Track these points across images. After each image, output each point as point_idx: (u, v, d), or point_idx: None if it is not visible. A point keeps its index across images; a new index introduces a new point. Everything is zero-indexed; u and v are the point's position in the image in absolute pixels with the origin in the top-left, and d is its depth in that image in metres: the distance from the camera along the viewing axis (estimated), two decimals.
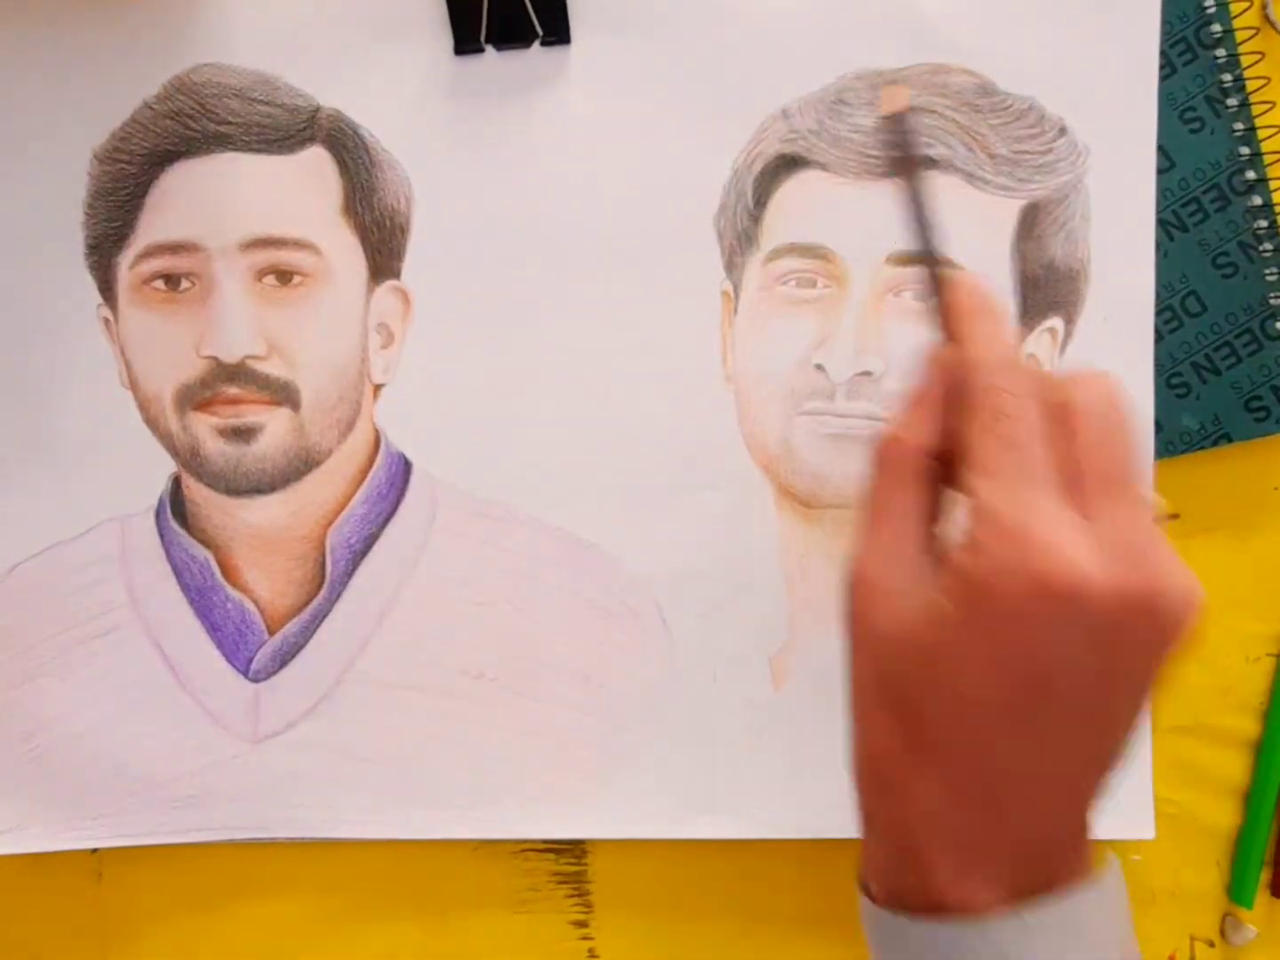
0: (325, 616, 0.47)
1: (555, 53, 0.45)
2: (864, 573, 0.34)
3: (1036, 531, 0.30)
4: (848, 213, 0.45)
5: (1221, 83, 0.44)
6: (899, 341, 0.45)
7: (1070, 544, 0.30)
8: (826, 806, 0.46)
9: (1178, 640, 0.31)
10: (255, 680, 0.47)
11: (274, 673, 0.47)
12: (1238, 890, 0.47)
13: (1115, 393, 0.33)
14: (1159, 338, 0.45)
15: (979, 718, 0.32)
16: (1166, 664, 0.32)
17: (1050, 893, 0.32)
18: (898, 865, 0.34)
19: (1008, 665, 0.31)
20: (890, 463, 0.34)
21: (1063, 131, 0.44)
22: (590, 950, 0.48)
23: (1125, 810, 0.45)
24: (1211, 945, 0.47)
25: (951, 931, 0.32)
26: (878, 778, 0.34)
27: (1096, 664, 0.31)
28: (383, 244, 0.46)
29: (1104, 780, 0.33)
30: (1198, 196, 0.45)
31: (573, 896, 0.48)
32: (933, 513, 0.34)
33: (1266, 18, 0.44)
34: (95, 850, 0.49)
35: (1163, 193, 0.45)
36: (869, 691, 0.34)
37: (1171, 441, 0.46)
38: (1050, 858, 0.33)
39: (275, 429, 0.46)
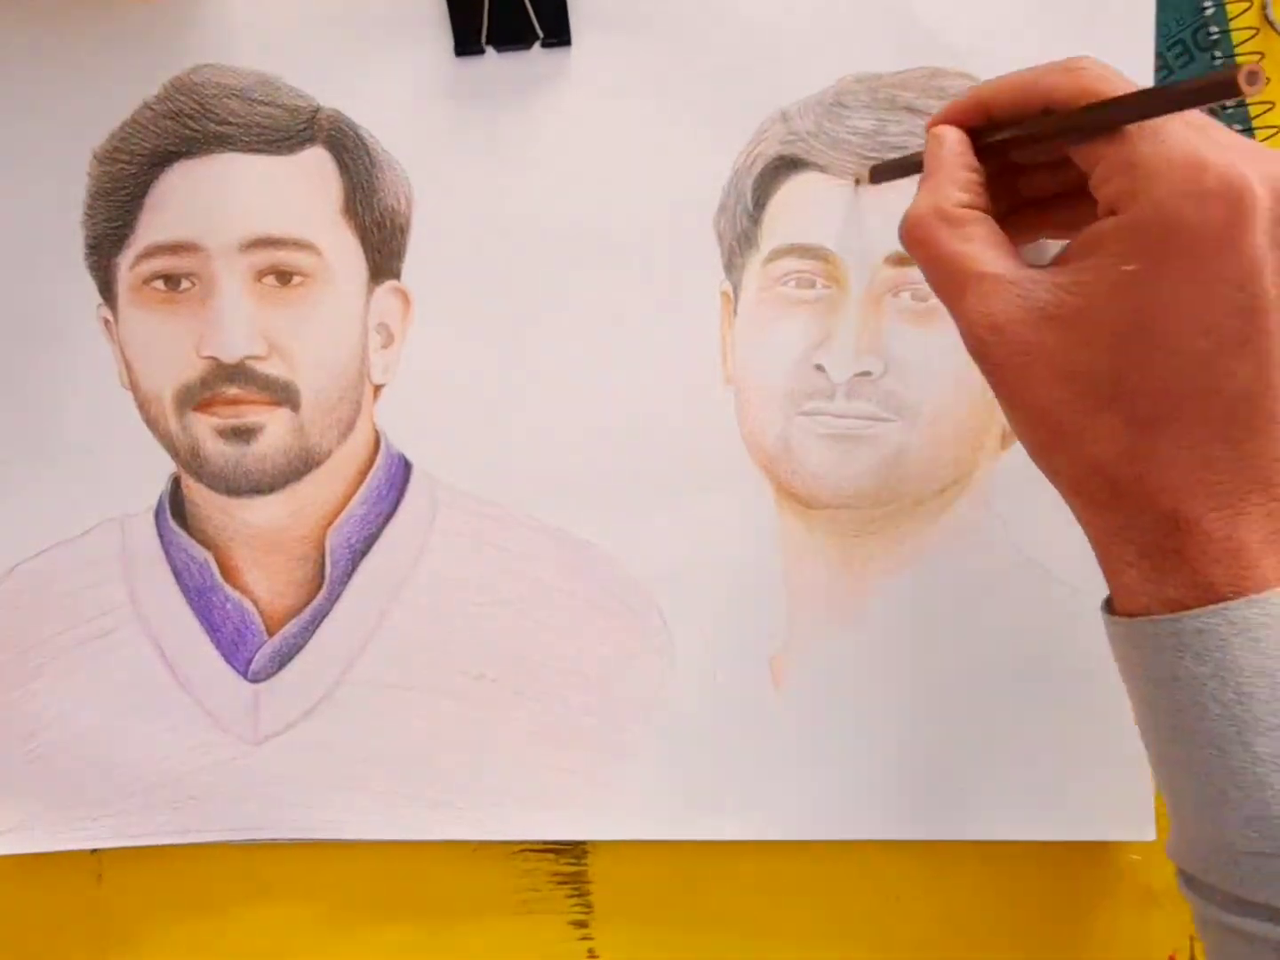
0: (325, 617, 0.47)
1: (556, 54, 0.45)
2: (995, 318, 0.33)
3: (1199, 153, 0.31)
4: (846, 214, 0.45)
5: None
6: (898, 342, 0.45)
7: (1229, 151, 0.31)
8: (827, 807, 0.46)
9: None
10: (255, 681, 0.47)
11: (273, 673, 0.47)
12: None
13: None
14: None
15: (1199, 364, 0.31)
16: None
17: None
18: (1163, 562, 0.33)
19: (1213, 294, 0.31)
20: (932, 228, 0.35)
21: None
22: (590, 951, 0.48)
23: (1125, 811, 0.46)
24: None
25: (1194, 620, 0.32)
26: (1112, 484, 0.33)
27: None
28: (383, 244, 0.46)
29: None
30: None
31: (573, 897, 0.48)
32: (1002, 240, 0.35)
33: (1266, 18, 0.45)
34: (95, 850, 0.49)
35: None
36: (1065, 411, 0.33)
37: None
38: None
39: (275, 429, 0.46)
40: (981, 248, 0.34)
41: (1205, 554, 0.32)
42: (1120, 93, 0.33)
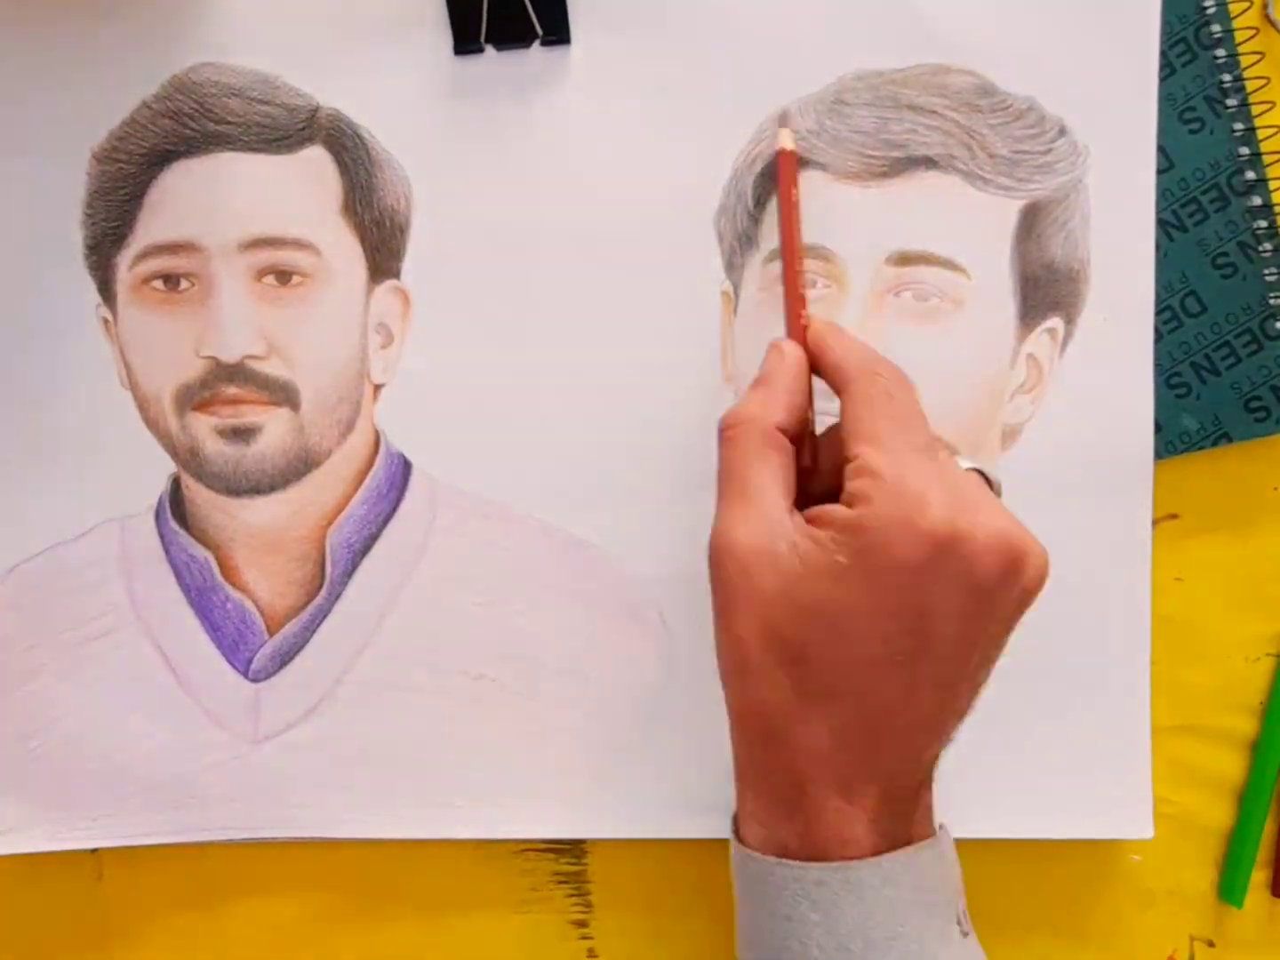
0: (325, 616, 0.47)
1: (555, 53, 0.45)
2: (738, 540, 0.36)
3: (930, 494, 0.35)
4: (848, 213, 0.45)
5: (1221, 83, 0.44)
6: (899, 341, 0.44)
7: (954, 506, 0.35)
8: None
9: (1035, 596, 0.36)
10: (255, 680, 0.47)
11: (274, 673, 0.47)
12: (1227, 889, 0.46)
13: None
14: (1159, 338, 0.45)
15: (868, 662, 0.35)
16: (1019, 616, 0.36)
17: (905, 845, 0.36)
18: (783, 811, 0.36)
19: (898, 612, 0.35)
20: (748, 437, 0.38)
21: (1062, 131, 0.44)
22: (590, 950, 0.48)
23: (1125, 810, 0.46)
24: (1211, 945, 0.47)
25: (820, 872, 0.35)
26: (765, 729, 0.36)
27: (974, 610, 0.35)
28: (382, 244, 0.46)
29: (956, 729, 0.37)
30: (1197, 197, 0.45)
31: (573, 896, 0.48)
32: (788, 480, 0.37)
33: (1267, 18, 0.44)
34: (95, 850, 0.49)
35: (1162, 193, 0.45)
36: (754, 650, 0.36)
37: (1171, 441, 0.46)
38: (907, 807, 0.37)
39: (275, 429, 0.46)
40: (770, 478, 0.37)
41: (822, 817, 0.36)
42: None
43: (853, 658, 0.35)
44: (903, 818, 0.36)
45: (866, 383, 0.38)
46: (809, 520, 0.36)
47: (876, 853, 0.35)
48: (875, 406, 0.37)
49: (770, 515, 0.36)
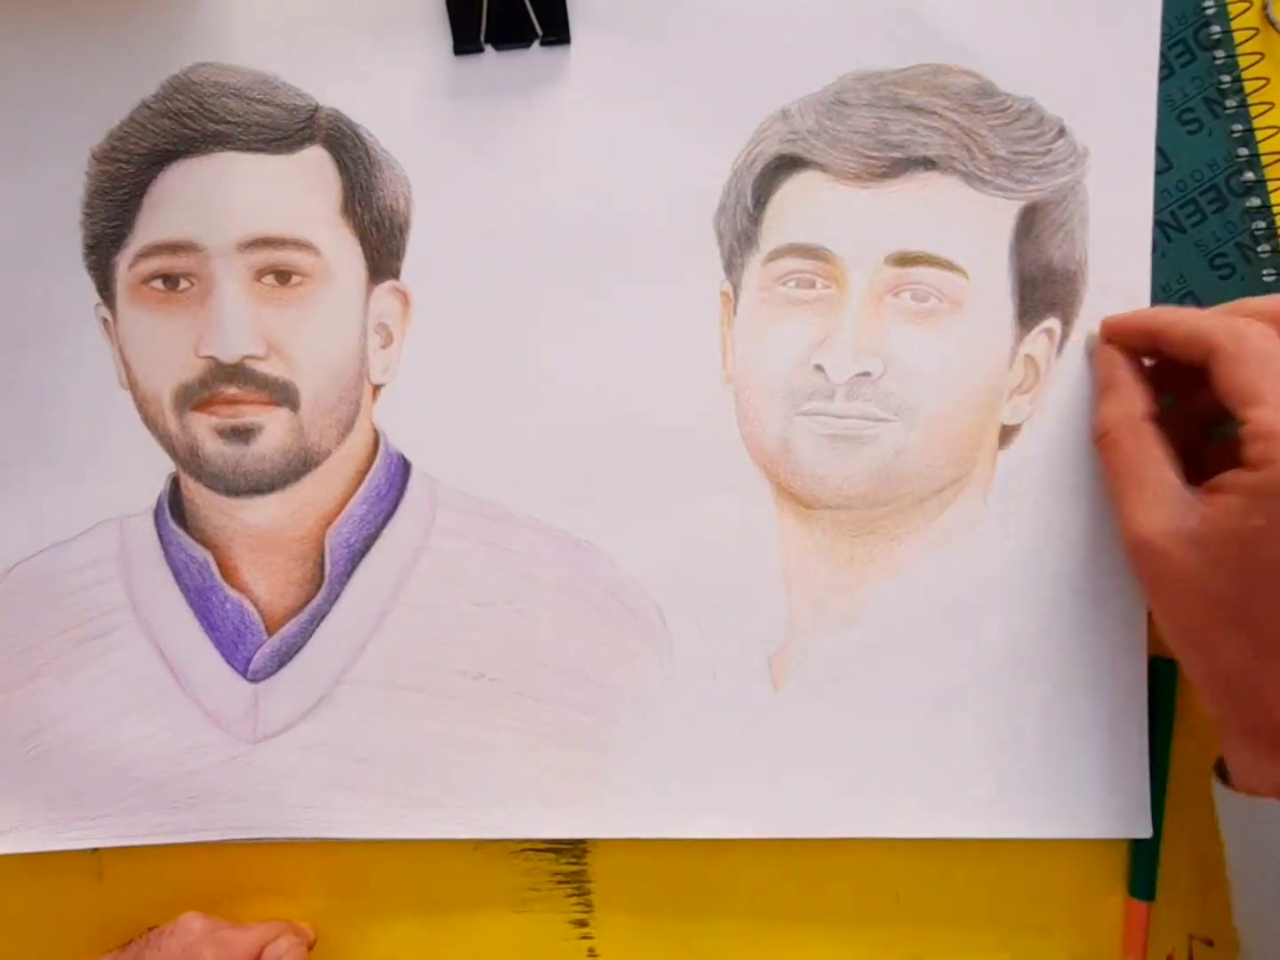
0: (324, 617, 0.47)
1: (555, 53, 0.45)
2: (1149, 531, 0.39)
3: None
4: (847, 213, 0.45)
5: (1220, 84, 0.44)
6: (898, 342, 0.45)
7: None
8: (825, 805, 0.46)
9: None
10: (254, 680, 0.47)
11: (273, 673, 0.47)
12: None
13: None
14: None
15: None
16: None
17: None
18: (1275, 754, 0.39)
19: None
20: (1125, 436, 0.41)
21: (1062, 132, 0.44)
22: (590, 950, 0.48)
23: (1125, 809, 0.46)
24: (1210, 944, 0.47)
25: None
26: (1238, 690, 0.39)
27: None
28: (382, 244, 0.46)
29: None
30: (1195, 198, 0.45)
31: (573, 896, 0.48)
32: (1173, 460, 0.40)
33: (1267, 18, 0.44)
34: (95, 850, 0.49)
35: (1160, 194, 0.45)
36: (1201, 623, 0.39)
37: None
38: None
39: (274, 429, 0.46)
40: (1158, 463, 0.40)
41: None
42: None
43: None
44: None
45: (1237, 343, 0.39)
46: (1211, 489, 0.38)
47: None
48: (1256, 366, 0.38)
49: (1170, 498, 0.39)
